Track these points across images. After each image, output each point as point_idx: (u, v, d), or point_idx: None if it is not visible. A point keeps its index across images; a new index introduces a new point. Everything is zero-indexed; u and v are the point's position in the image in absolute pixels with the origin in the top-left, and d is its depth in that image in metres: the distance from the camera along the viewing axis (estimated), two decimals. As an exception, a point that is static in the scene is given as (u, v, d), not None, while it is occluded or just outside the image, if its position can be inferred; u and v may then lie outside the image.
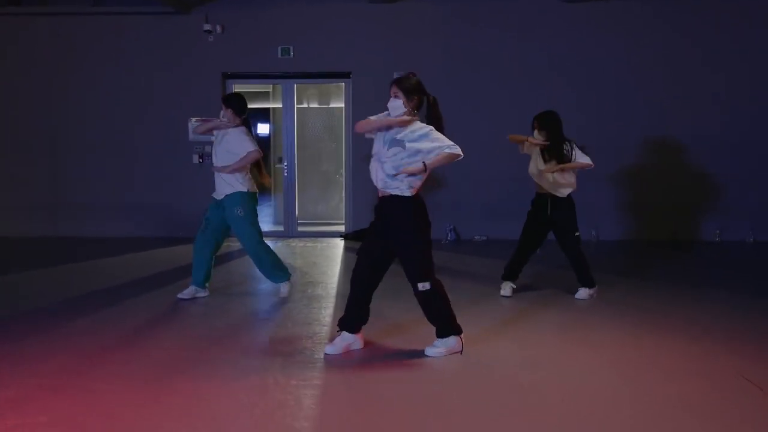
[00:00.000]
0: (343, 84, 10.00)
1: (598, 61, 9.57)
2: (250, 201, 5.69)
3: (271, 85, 11.49)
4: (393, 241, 4.25)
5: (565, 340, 4.72)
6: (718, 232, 9.63)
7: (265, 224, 11.03)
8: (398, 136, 4.16)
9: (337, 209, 10.98)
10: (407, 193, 4.21)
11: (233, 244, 8.25)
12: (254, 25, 9.49)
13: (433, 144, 4.15)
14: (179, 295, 5.80)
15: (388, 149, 4.16)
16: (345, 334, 4.39)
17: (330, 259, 8.08)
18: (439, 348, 4.32)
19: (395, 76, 4.42)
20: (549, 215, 5.92)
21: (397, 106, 4.20)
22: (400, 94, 4.20)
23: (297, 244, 9.40)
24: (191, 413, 3.38)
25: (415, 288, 4.26)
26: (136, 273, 7.09)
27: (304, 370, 4.04)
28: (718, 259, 8.46)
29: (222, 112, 5.72)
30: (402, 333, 4.85)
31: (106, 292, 6.18)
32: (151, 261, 7.81)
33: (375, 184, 4.30)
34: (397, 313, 5.38)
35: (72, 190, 9.75)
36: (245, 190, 5.64)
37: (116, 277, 6.85)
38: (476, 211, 9.65)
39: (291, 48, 9.55)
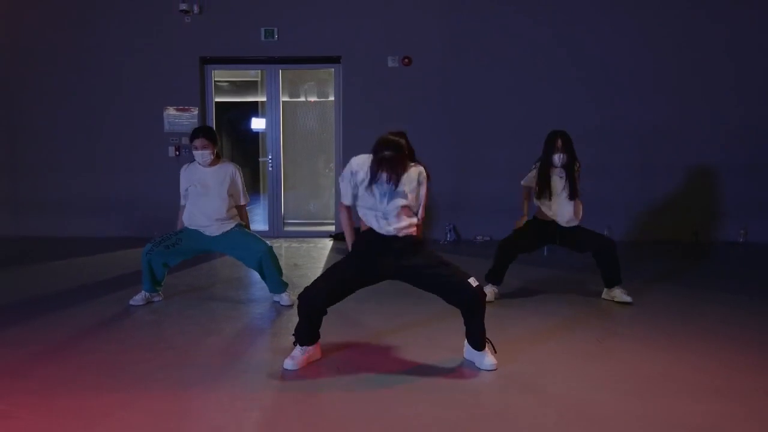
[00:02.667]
0: (333, 70, 9.50)
1: (614, 49, 9.07)
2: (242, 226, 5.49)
3: (259, 76, 11.03)
4: (419, 271, 3.93)
5: (572, 352, 4.21)
6: (743, 231, 9.12)
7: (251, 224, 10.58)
8: (398, 188, 3.88)
9: (327, 208, 10.49)
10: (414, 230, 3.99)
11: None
12: (235, 4, 8.99)
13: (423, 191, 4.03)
14: (130, 301, 5.36)
15: (387, 203, 3.88)
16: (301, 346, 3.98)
17: (314, 260, 7.56)
18: (488, 358, 3.94)
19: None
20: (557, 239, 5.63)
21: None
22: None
23: (282, 244, 8.91)
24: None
25: (468, 289, 3.82)
26: (92, 277, 6.60)
27: (255, 389, 3.53)
28: (743, 261, 7.96)
29: (203, 152, 5.26)
30: (380, 339, 4.36)
31: (49, 299, 5.68)
32: (112, 264, 7.32)
33: (378, 230, 3.95)
34: (373, 319, 4.91)
35: (32, 184, 9.23)
36: (238, 222, 5.46)
37: (67, 281, 6.37)
38: (478, 209, 9.12)
39: (275, 30, 9.04)
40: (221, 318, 5.05)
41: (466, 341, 4.01)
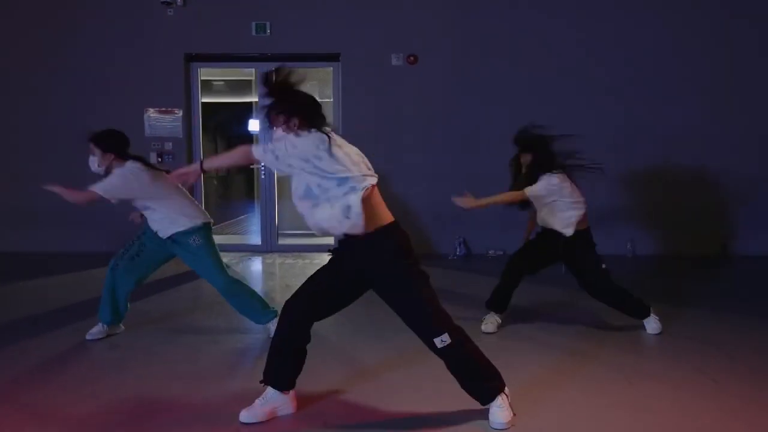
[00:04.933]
0: (331, 68, 9.00)
1: (634, 44, 8.61)
2: (206, 231, 4.78)
3: (253, 74, 10.56)
4: (392, 299, 3.37)
5: (597, 400, 3.62)
6: None
7: (243, 237, 10.09)
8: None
9: (326, 218, 9.97)
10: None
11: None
12: (223, -5, 8.56)
13: None
14: (87, 336, 4.82)
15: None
16: (270, 392, 3.41)
17: (309, 280, 7.01)
18: (501, 412, 3.30)
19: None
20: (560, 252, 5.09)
21: None
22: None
23: (275, 260, 8.39)
24: None
25: (432, 346, 3.29)
26: (57, 299, 6.08)
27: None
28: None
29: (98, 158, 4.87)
30: (377, 379, 3.79)
31: (1, 328, 5.14)
32: (81, 283, 6.82)
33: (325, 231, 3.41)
34: (369, 353, 4.37)
35: (2, 194, 8.71)
36: (199, 222, 4.73)
37: (28, 305, 5.87)
38: (490, 221, 8.59)
39: (267, 24, 8.56)
40: (196, 355, 4.49)
41: None
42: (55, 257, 8.22)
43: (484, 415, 3.32)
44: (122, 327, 4.99)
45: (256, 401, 3.38)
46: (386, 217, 3.29)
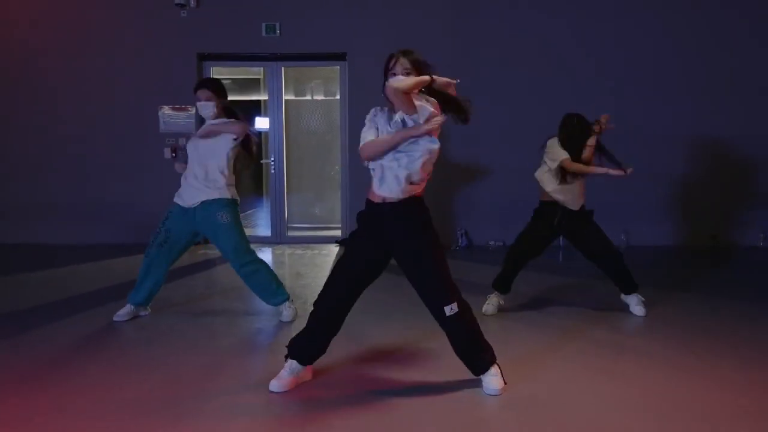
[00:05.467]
0: (338, 67, 9.26)
1: (633, 43, 8.90)
2: (234, 208, 5.00)
3: (262, 73, 10.82)
4: (404, 255, 3.57)
5: (583, 371, 3.94)
6: (762, 236, 8.98)
7: (253, 229, 10.38)
8: (405, 119, 3.39)
9: (333, 211, 10.27)
10: (418, 191, 3.52)
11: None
12: (234, -2, 8.80)
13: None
14: (115, 317, 5.08)
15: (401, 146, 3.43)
16: (293, 364, 3.69)
17: (319, 269, 7.31)
18: (495, 379, 3.62)
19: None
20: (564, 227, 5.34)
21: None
22: (413, 73, 3.43)
23: (285, 251, 8.69)
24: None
25: (440, 314, 3.54)
26: (79, 287, 6.34)
27: (252, 412, 3.30)
28: (763, 267, 7.78)
29: (204, 104, 4.96)
30: (383, 355, 4.11)
31: (31, 313, 5.40)
32: (101, 273, 7.07)
33: (379, 191, 3.50)
34: (377, 333, 4.67)
35: (17, 188, 8.99)
36: (228, 197, 4.96)
37: (52, 293, 6.11)
38: (490, 214, 8.91)
39: (277, 25, 8.81)
40: (216, 334, 4.79)
41: None
42: (74, 249, 8.50)
43: (479, 385, 3.63)
44: (149, 309, 5.25)
45: (283, 372, 3.66)
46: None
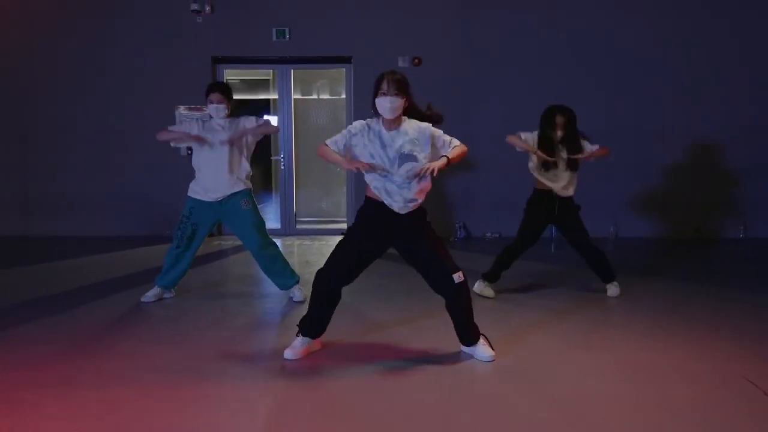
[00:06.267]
0: (344, 69, 9.67)
1: (622, 44, 9.28)
2: (252, 197, 5.50)
3: (271, 74, 11.19)
4: (416, 247, 3.96)
5: (566, 342, 4.38)
6: (742, 228, 9.37)
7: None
8: (405, 151, 3.81)
9: (339, 205, 10.67)
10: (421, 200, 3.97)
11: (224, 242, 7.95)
12: (246, 4, 9.17)
13: (445, 138, 3.94)
14: (142, 299, 5.52)
15: (398, 167, 3.81)
16: (305, 337, 4.14)
17: (325, 257, 7.56)
18: (486, 348, 4.07)
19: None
20: (557, 215, 5.74)
21: (396, 107, 3.82)
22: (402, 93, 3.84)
23: (294, 242, 9.09)
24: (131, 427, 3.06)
25: (449, 282, 3.92)
26: (105, 275, 6.76)
27: (267, 378, 3.73)
28: (741, 256, 8.18)
29: (216, 106, 5.31)
30: (385, 331, 4.54)
31: (63, 297, 5.82)
32: (124, 262, 7.48)
33: (390, 204, 3.89)
34: (380, 313, 5.11)
35: (43, 183, 9.41)
36: (250, 187, 5.48)
37: (81, 279, 6.54)
38: (487, 206, 9.30)
39: (287, 30, 9.20)
40: (234, 313, 5.22)
41: None
42: (94, 240, 8.93)
43: (471, 357, 4.07)
44: (173, 292, 5.66)
45: (295, 342, 4.09)
46: None
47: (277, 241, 9.13)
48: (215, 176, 5.30)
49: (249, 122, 5.37)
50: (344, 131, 3.94)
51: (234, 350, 4.27)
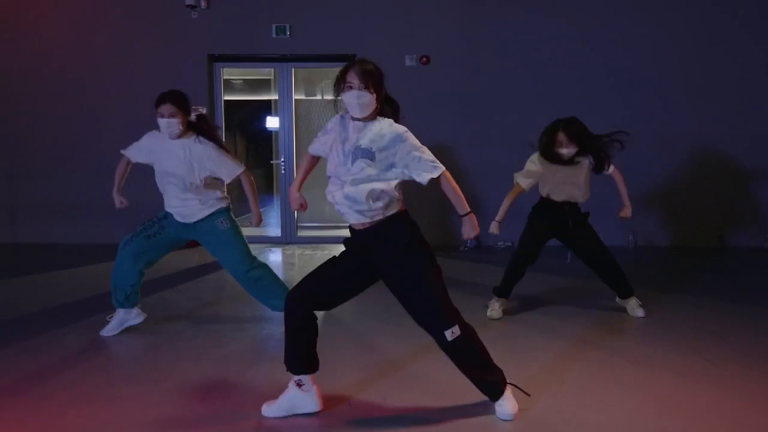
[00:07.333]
0: (348, 68, 9.04)
1: (637, 46, 8.72)
2: (230, 214, 4.67)
3: (272, 73, 10.63)
4: (394, 280, 3.18)
5: (602, 382, 3.71)
6: (766, 237, 8.79)
7: (263, 229, 10.16)
8: (362, 144, 3.11)
9: (343, 211, 10.07)
10: (395, 209, 3.19)
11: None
12: (245, -1, 8.61)
13: (418, 153, 3.10)
14: (102, 332, 4.67)
15: (351, 164, 3.11)
16: (296, 385, 3.31)
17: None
18: (507, 404, 3.28)
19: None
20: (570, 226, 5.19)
21: (364, 102, 3.10)
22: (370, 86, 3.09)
23: (294, 251, 8.50)
24: None
25: (441, 339, 3.15)
26: (89, 289, 6.19)
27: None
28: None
29: (168, 121, 4.41)
30: (396, 368, 3.90)
31: (39, 316, 5.25)
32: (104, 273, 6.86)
33: (341, 215, 3.24)
34: (390, 341, 4.45)
35: (31, 189, 8.84)
36: (225, 205, 4.65)
37: (62, 295, 5.97)
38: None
39: (287, 26, 8.63)
40: (225, 340, 4.60)
41: None
42: (83, 248, 8.36)
43: (491, 409, 3.32)
44: (143, 314, 4.77)
45: (283, 397, 3.31)
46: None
47: (278, 251, 8.78)
48: (179, 203, 4.55)
49: (223, 168, 4.52)
50: (325, 130, 3.37)
51: (220, 391, 3.64)
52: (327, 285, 3.21)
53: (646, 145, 8.48)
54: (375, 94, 3.10)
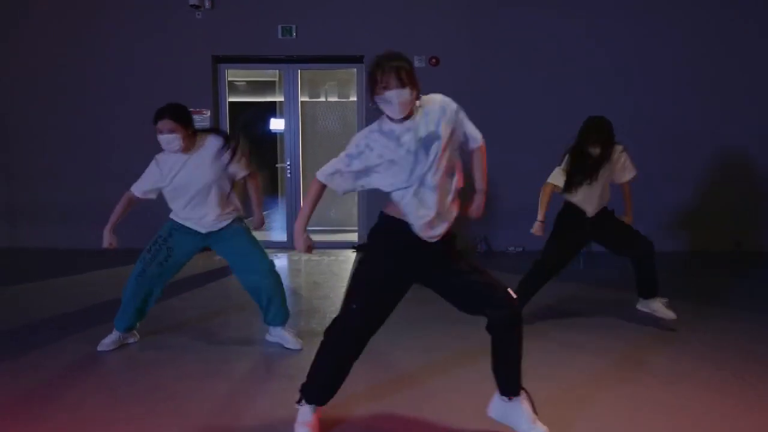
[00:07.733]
0: (355, 70, 8.84)
1: (648, 46, 8.49)
2: (243, 221, 4.50)
3: (277, 75, 10.41)
4: (450, 275, 2.99)
5: (636, 404, 3.46)
6: None
7: (267, 233, 9.95)
8: (422, 135, 2.92)
9: (349, 215, 9.85)
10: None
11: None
12: (250, -1, 8.39)
13: (463, 115, 3.14)
14: (99, 347, 4.44)
15: (427, 154, 2.91)
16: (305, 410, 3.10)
17: (337, 278, 6.88)
18: (527, 403, 3.03)
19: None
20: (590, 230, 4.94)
21: (406, 100, 2.87)
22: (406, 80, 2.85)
23: (301, 257, 8.27)
24: None
25: (505, 297, 2.92)
26: (90, 298, 6.01)
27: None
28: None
29: (167, 137, 4.16)
30: (414, 384, 3.65)
31: (38, 327, 5.04)
32: (113, 280, 6.56)
33: (424, 230, 2.94)
34: (406, 355, 4.20)
35: (31, 192, 8.62)
36: (240, 213, 4.50)
37: (63, 304, 5.77)
38: (510, 217, 8.46)
39: (293, 27, 8.40)
40: (231, 355, 4.36)
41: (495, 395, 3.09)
42: (84, 253, 8.11)
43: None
44: (137, 336, 4.64)
45: (304, 416, 3.09)
46: None
47: (283, 256, 8.53)
48: (197, 215, 4.36)
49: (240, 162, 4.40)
50: (342, 157, 3.03)
51: (228, 412, 3.41)
52: (386, 315, 3.03)
53: (659, 146, 8.34)
54: (413, 89, 2.88)
